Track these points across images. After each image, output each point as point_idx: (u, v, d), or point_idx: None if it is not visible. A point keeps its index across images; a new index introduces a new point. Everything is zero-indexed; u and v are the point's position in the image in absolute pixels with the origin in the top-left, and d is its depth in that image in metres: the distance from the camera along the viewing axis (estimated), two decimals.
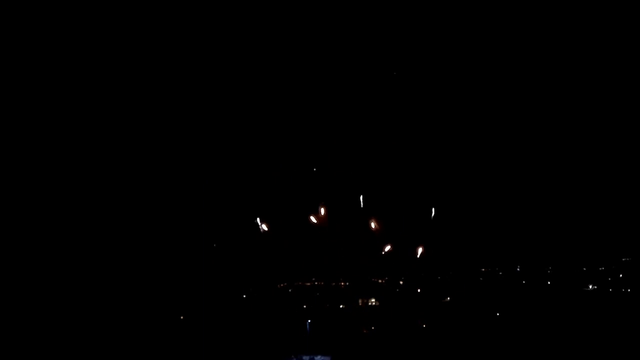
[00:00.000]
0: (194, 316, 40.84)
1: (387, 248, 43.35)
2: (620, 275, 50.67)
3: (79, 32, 41.70)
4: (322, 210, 42.14)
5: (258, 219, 42.18)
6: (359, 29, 45.62)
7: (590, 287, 50.89)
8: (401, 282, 45.74)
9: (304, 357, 35.42)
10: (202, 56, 42.66)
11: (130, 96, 42.84)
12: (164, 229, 41.30)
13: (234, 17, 42.98)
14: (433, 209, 45.09)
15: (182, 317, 41.39)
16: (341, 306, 44.41)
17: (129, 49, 42.65)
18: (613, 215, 49.52)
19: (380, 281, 45.48)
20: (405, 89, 46.27)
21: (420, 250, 44.25)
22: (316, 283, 44.41)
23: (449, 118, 47.42)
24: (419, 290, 46.16)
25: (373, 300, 45.22)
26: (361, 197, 43.10)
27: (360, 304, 44.62)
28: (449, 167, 46.71)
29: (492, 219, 47.66)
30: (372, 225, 43.20)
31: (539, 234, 49.85)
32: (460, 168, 47.23)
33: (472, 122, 48.06)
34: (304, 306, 43.32)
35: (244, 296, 43.87)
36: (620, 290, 50.05)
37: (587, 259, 51.38)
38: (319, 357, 35.43)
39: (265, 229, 41.86)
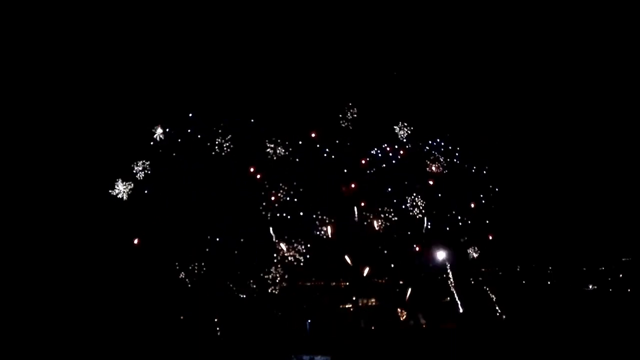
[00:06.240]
0: (194, 316, 40.82)
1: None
2: (620, 275, 50.78)
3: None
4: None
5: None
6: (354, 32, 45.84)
7: (590, 287, 51.00)
8: (401, 282, 45.74)
9: (304, 357, 35.45)
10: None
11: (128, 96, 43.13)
12: (164, 229, 41.31)
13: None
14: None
15: (182, 317, 41.38)
16: (341, 306, 44.42)
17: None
18: (613, 215, 49.66)
19: (380, 281, 45.48)
20: (404, 89, 46.45)
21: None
22: (316, 283, 44.39)
23: (450, 118, 47.60)
24: (418, 291, 46.15)
25: (373, 300, 45.23)
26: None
27: (360, 304, 44.62)
28: (449, 167, 46.84)
29: (492, 219, 47.75)
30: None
31: (539, 234, 49.97)
32: (460, 169, 47.38)
33: (471, 122, 48.23)
34: (304, 306, 43.31)
35: (244, 296, 43.85)
36: (620, 290, 50.14)
37: (587, 259, 51.50)
38: (319, 357, 35.44)
39: None
